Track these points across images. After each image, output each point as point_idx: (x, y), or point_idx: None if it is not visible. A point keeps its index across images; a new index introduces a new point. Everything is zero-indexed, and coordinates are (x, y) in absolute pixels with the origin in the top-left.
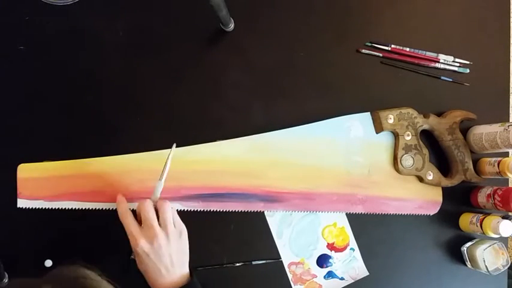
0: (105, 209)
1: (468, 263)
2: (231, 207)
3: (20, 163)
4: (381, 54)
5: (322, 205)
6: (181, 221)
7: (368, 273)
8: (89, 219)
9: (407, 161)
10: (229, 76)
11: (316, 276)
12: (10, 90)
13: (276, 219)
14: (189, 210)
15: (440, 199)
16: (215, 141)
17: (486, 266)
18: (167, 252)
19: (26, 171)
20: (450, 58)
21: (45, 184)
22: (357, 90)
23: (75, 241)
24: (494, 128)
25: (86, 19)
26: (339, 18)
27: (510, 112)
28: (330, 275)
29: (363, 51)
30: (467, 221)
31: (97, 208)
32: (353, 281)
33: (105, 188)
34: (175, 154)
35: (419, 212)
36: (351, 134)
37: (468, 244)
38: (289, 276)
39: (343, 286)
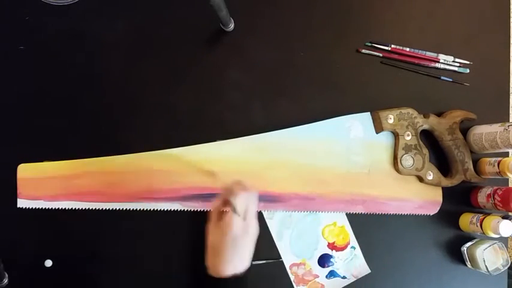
0: (105, 209)
1: (468, 263)
2: None
3: (20, 163)
4: (381, 54)
5: (322, 205)
6: None
7: (370, 271)
8: (89, 219)
9: (407, 161)
10: (229, 76)
11: (318, 276)
12: (10, 90)
13: (275, 222)
14: (189, 210)
15: (440, 199)
16: (215, 141)
17: (486, 266)
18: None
19: (26, 171)
20: (450, 58)
21: (45, 184)
22: (357, 90)
23: (75, 241)
24: (494, 128)
25: (85, 19)
26: (339, 18)
27: (510, 112)
28: (331, 274)
29: (363, 51)
30: (467, 221)
31: (97, 208)
32: (355, 279)
33: (105, 188)
34: (176, 154)
35: (419, 212)
36: (351, 134)
37: (468, 244)
38: (291, 277)
39: (345, 285)
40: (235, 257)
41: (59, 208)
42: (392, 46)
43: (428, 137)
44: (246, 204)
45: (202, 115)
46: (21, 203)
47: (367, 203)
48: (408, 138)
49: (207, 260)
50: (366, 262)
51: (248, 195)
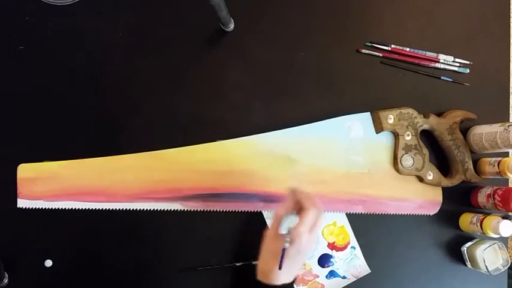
0: (106, 209)
1: (468, 263)
2: (231, 207)
3: (20, 163)
4: (380, 54)
5: (322, 205)
6: None
7: (370, 271)
8: (89, 219)
9: (407, 161)
10: (229, 76)
11: (318, 276)
12: (10, 90)
13: None
14: (189, 210)
15: (440, 199)
16: (215, 141)
17: (486, 266)
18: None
19: (26, 171)
20: (450, 58)
21: (45, 184)
22: (357, 90)
23: (75, 241)
24: (494, 128)
25: (85, 19)
26: (339, 18)
27: (510, 112)
28: (332, 274)
29: (363, 51)
30: (467, 221)
31: (97, 208)
32: (355, 279)
33: (105, 188)
34: (176, 154)
35: (419, 212)
36: (351, 134)
37: (468, 244)
38: None
39: (345, 285)
40: (291, 268)
41: (59, 208)
42: (392, 46)
43: (428, 137)
44: (314, 220)
45: (202, 115)
46: (21, 203)
47: (367, 203)
48: (408, 138)
49: (260, 263)
50: (366, 262)
51: (318, 210)
